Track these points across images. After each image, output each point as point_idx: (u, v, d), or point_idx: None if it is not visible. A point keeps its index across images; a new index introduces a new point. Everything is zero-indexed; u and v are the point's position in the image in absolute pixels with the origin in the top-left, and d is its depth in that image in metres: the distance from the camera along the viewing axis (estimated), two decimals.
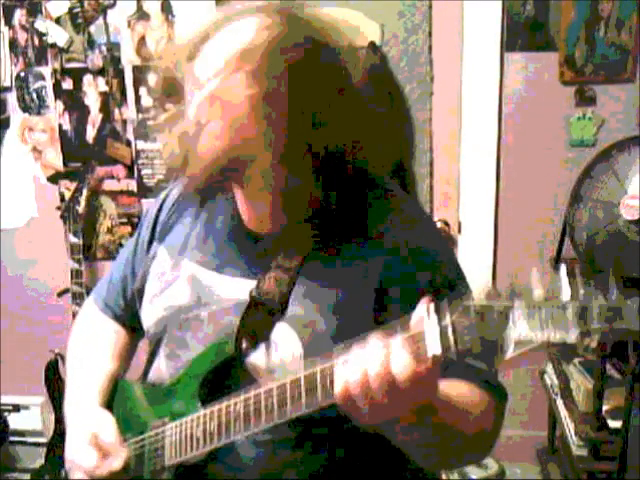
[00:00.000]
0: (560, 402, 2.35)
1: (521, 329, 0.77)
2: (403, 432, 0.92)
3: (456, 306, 0.81)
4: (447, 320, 0.81)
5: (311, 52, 1.05)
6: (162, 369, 1.21)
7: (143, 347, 1.35)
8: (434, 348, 0.81)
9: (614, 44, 2.41)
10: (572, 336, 0.75)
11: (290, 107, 1.04)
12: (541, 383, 2.59)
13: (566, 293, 0.76)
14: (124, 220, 2.82)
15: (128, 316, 1.36)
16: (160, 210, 1.31)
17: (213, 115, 1.07)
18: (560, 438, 2.48)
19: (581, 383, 2.22)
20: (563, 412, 2.31)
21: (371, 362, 0.83)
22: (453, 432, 0.94)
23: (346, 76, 1.09)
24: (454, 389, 0.97)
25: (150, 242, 1.30)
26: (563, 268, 0.77)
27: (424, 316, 0.83)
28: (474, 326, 0.80)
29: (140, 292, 1.28)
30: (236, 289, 1.14)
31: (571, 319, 0.74)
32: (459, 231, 2.64)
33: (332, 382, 0.89)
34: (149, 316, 1.24)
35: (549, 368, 2.53)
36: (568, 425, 2.23)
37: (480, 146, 2.56)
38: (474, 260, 2.61)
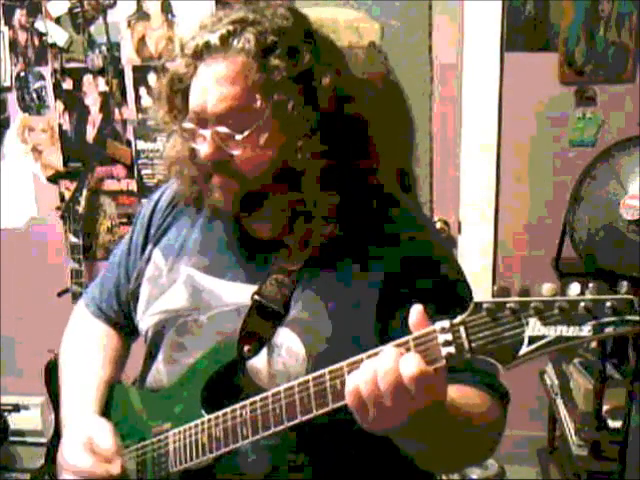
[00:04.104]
0: (560, 402, 2.34)
1: (533, 325, 0.76)
2: (408, 435, 0.90)
3: (467, 305, 0.80)
4: (459, 319, 0.81)
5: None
6: (161, 373, 1.20)
7: (138, 350, 1.34)
8: (448, 348, 0.81)
9: (614, 44, 2.41)
10: (585, 330, 0.73)
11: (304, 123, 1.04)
12: (541, 383, 2.59)
13: (575, 288, 0.75)
14: (124, 220, 2.81)
15: (121, 319, 1.34)
16: (153, 212, 1.29)
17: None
18: (560, 438, 2.47)
19: (581, 383, 2.21)
20: (563, 412, 2.30)
21: (381, 362, 0.82)
22: (457, 434, 0.93)
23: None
24: (457, 392, 0.96)
25: (144, 244, 1.28)
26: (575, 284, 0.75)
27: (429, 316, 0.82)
28: (486, 324, 0.79)
29: (134, 295, 1.26)
30: (237, 294, 1.13)
31: (583, 313, 0.73)
32: (459, 231, 2.64)
33: (342, 383, 0.87)
34: (146, 319, 1.22)
35: (549, 368, 2.53)
36: (568, 425, 2.23)
37: (480, 146, 2.56)
38: (474, 260, 2.61)
